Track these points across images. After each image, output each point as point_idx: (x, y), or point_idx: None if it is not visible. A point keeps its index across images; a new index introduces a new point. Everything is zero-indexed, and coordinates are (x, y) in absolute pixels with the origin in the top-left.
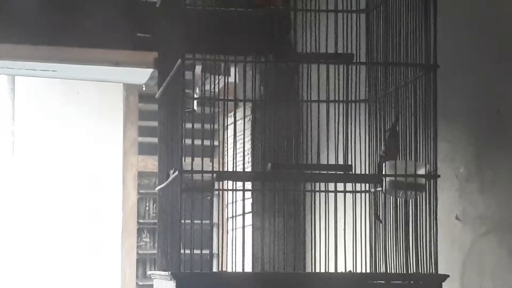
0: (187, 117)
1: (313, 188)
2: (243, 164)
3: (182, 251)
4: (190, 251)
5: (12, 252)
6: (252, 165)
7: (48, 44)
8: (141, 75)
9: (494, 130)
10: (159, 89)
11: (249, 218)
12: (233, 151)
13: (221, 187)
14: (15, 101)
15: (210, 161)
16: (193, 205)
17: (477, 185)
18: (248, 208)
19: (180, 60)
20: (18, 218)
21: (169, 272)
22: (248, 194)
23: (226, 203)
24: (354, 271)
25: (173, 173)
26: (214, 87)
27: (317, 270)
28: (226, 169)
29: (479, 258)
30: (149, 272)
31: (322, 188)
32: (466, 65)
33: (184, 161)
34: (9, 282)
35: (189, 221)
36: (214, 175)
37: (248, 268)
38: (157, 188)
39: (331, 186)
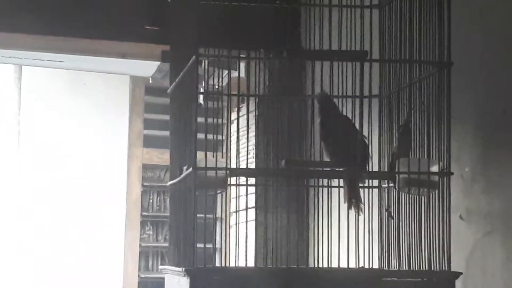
0: (198, 112)
1: (326, 184)
2: (260, 158)
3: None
4: (203, 246)
5: (15, 243)
6: (260, 160)
7: (56, 34)
8: (148, 68)
9: (500, 130)
10: (171, 84)
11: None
12: (246, 145)
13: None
14: (21, 91)
15: (222, 157)
16: (207, 201)
17: (482, 184)
18: (258, 202)
19: (194, 56)
20: (22, 208)
21: (183, 268)
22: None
23: (235, 196)
24: (367, 267)
25: (186, 170)
26: (222, 81)
27: (332, 266)
28: (233, 163)
29: (483, 257)
30: (160, 267)
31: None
32: (473, 64)
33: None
34: (12, 274)
35: (202, 215)
36: (227, 171)
37: (260, 263)
38: (169, 183)
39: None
